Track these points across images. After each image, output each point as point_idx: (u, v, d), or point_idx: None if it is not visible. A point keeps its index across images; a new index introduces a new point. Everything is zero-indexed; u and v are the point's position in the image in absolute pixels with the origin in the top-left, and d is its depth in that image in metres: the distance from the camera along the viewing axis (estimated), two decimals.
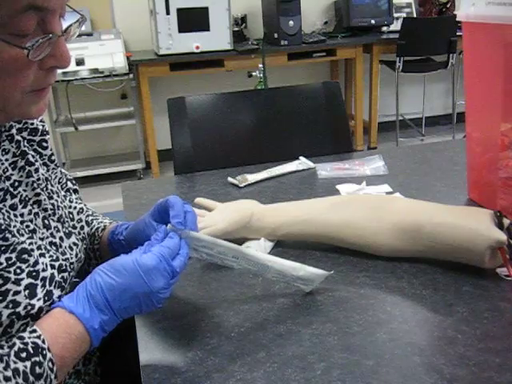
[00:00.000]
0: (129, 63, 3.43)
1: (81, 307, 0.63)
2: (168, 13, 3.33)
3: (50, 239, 0.73)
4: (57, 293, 0.68)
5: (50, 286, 0.67)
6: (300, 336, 0.69)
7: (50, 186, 0.77)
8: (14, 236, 0.65)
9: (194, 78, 3.83)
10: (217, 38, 3.42)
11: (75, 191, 0.90)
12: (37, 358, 0.59)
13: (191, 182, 1.27)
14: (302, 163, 1.30)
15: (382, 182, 1.16)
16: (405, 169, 1.25)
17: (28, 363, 0.58)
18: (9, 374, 0.56)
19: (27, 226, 0.70)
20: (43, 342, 0.60)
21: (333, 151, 1.42)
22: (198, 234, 0.72)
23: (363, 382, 0.61)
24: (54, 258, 0.71)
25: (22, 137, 0.76)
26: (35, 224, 0.71)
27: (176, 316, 0.75)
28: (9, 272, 0.63)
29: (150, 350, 0.69)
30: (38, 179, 0.75)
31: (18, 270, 0.64)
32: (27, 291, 0.64)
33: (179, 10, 3.34)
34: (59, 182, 0.85)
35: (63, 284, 0.70)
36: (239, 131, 1.45)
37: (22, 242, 0.66)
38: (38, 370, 0.58)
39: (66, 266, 0.72)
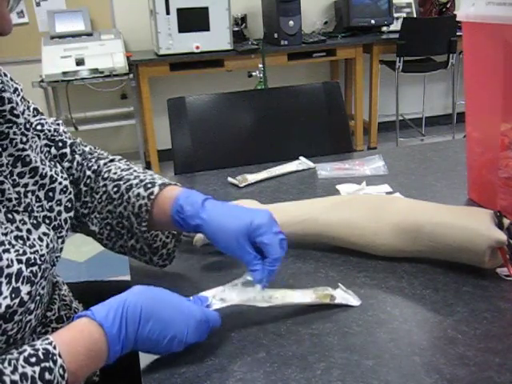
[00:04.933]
0: (129, 63, 3.43)
1: (111, 321, 0.61)
2: (168, 13, 3.33)
3: (16, 233, 0.68)
4: (25, 289, 0.64)
5: (17, 282, 0.63)
6: (300, 336, 0.69)
7: (18, 169, 0.72)
8: None
9: (194, 78, 3.83)
10: (217, 38, 3.42)
11: (63, 156, 0.83)
12: (47, 364, 0.56)
13: (191, 182, 1.27)
14: (301, 163, 1.30)
15: (382, 182, 1.16)
16: (405, 169, 1.25)
17: (37, 368, 0.56)
18: (16, 377, 0.54)
19: None
20: (54, 347, 0.58)
21: (333, 151, 1.42)
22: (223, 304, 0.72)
23: (363, 382, 0.61)
24: (21, 252, 0.66)
25: None
26: None
27: None
28: None
29: None
30: (1, 165, 0.69)
31: None
32: None
33: (179, 10, 3.34)
34: (41, 151, 0.78)
35: (33, 279, 0.66)
36: (239, 131, 1.45)
37: None
38: (47, 375, 0.56)
39: (35, 258, 0.67)
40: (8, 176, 0.70)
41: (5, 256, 0.63)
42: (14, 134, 0.72)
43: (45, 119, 0.83)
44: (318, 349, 0.67)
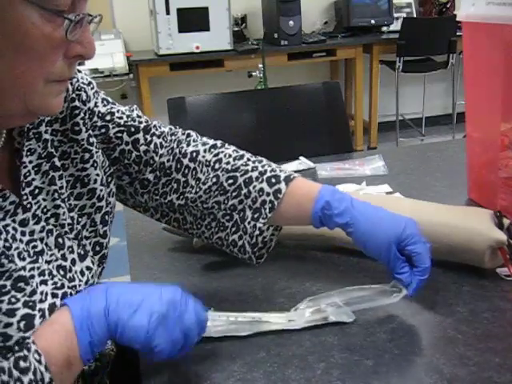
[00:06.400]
0: (129, 63, 3.43)
1: (73, 297, 0.61)
2: (168, 13, 3.32)
3: (60, 262, 0.66)
4: None
5: (50, 316, 0.61)
6: (300, 336, 0.69)
7: (77, 190, 0.71)
8: (11, 261, 0.59)
9: (194, 78, 3.82)
10: (217, 37, 3.42)
11: (135, 142, 0.78)
12: (21, 353, 0.55)
13: None
14: (302, 163, 1.30)
15: (382, 182, 1.16)
16: (405, 169, 1.25)
17: (11, 359, 0.55)
18: None
19: (34, 247, 0.63)
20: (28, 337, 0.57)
21: (333, 151, 1.42)
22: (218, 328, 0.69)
23: (363, 382, 0.61)
24: (59, 285, 0.64)
25: (53, 131, 0.69)
26: (45, 243, 0.65)
27: None
28: (1, 301, 0.57)
29: None
30: (61, 187, 0.68)
31: (13, 299, 0.58)
32: (23, 323, 0.58)
33: (179, 10, 3.34)
34: (103, 166, 0.75)
35: None
36: (239, 131, 1.45)
37: (21, 269, 0.60)
38: (22, 363, 0.54)
39: (71, 294, 0.65)
40: (65, 199, 0.69)
41: (40, 289, 0.61)
42: (75, 152, 0.71)
43: (116, 107, 0.80)
44: (317, 349, 0.67)
